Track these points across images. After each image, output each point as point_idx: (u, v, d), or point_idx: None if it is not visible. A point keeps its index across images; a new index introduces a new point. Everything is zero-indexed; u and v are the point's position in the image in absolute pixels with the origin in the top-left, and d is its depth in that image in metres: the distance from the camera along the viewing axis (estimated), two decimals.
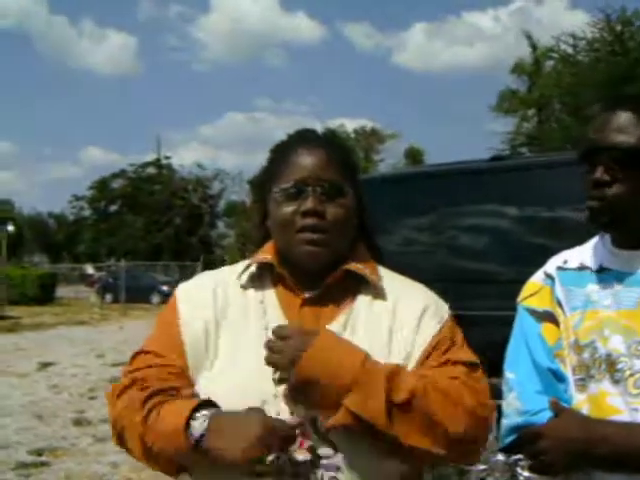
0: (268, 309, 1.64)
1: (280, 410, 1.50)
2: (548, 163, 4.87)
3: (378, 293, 1.66)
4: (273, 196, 1.66)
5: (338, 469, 1.48)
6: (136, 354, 1.65)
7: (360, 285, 1.66)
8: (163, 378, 1.56)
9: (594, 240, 1.81)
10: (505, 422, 1.73)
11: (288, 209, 1.62)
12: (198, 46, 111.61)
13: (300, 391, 1.47)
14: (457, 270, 5.02)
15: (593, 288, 1.71)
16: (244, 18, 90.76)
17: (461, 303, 4.65)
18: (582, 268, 1.76)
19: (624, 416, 1.57)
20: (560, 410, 1.63)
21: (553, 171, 4.41)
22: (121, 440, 1.58)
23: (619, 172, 1.61)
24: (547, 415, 1.64)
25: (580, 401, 1.66)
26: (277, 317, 1.62)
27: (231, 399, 1.49)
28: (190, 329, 1.62)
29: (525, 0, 76.08)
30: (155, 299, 31.11)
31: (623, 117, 1.64)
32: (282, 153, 1.71)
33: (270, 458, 1.40)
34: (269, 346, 1.50)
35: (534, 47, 31.79)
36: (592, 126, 1.69)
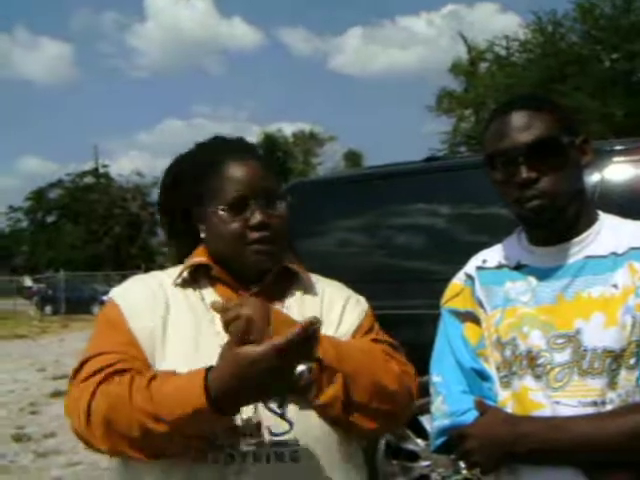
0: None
1: None
2: (479, 163, 4.93)
3: (307, 289, 1.81)
4: (217, 213, 1.71)
5: (295, 443, 1.57)
6: (85, 361, 1.60)
7: (291, 282, 1.81)
8: (137, 368, 1.56)
9: (511, 238, 1.84)
10: (434, 425, 1.76)
11: (235, 224, 1.70)
12: (135, 53, 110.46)
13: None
14: (393, 270, 5.04)
15: (511, 285, 1.74)
16: (181, 25, 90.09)
17: (398, 302, 4.72)
18: (500, 266, 1.79)
19: (546, 410, 1.60)
20: (485, 409, 1.66)
21: (484, 170, 4.46)
22: (108, 435, 1.49)
23: (540, 166, 1.64)
24: (473, 415, 1.67)
25: (505, 398, 1.68)
26: None
27: None
28: (140, 326, 1.64)
29: (457, 4, 77.15)
30: (96, 310, 30.45)
31: (520, 116, 1.68)
32: (213, 165, 1.76)
33: (300, 368, 1.47)
34: (227, 317, 1.49)
35: (470, 48, 32.24)
36: (492, 131, 1.73)
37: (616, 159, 4.28)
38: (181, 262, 1.82)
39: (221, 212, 1.71)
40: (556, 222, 1.67)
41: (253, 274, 1.74)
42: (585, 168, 1.74)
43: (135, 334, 1.63)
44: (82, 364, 1.60)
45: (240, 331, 1.46)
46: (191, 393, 1.41)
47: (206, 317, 1.67)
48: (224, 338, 1.51)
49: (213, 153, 1.80)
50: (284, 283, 1.81)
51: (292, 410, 1.56)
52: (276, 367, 1.36)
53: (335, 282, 1.91)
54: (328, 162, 48.85)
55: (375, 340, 1.76)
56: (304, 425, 1.58)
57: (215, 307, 1.55)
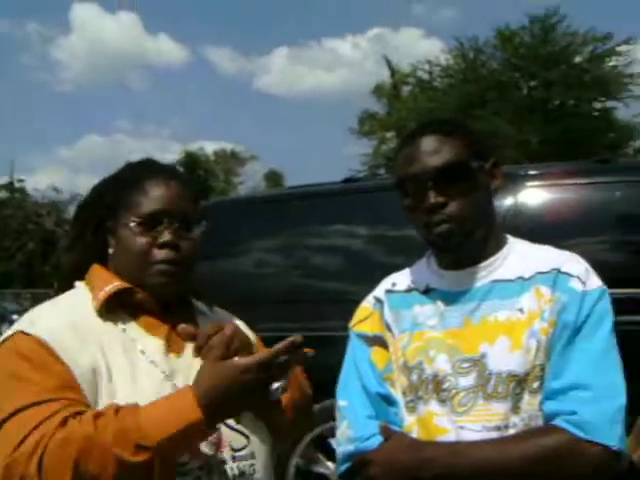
0: (135, 335, 1.62)
1: None
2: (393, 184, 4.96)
3: (202, 314, 1.81)
4: (128, 226, 1.66)
5: (252, 456, 1.63)
6: (7, 418, 1.39)
7: (189, 308, 1.79)
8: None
9: (421, 261, 1.83)
10: (339, 450, 1.72)
11: (143, 240, 1.65)
12: (59, 67, 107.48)
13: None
14: (310, 291, 5.01)
15: (420, 309, 1.72)
16: (106, 39, 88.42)
17: (316, 324, 4.68)
18: (410, 290, 1.77)
19: (450, 435, 1.59)
20: (389, 434, 1.63)
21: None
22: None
23: (449, 191, 1.63)
24: (378, 440, 1.64)
25: (410, 423, 1.67)
26: (149, 340, 1.63)
27: None
28: (79, 362, 1.49)
29: (382, 27, 78.19)
30: (4, 328, 29.53)
31: (431, 140, 1.67)
32: (135, 181, 1.72)
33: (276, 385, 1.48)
34: (201, 342, 1.50)
35: (393, 72, 32.72)
36: (403, 156, 1.71)
37: (529, 184, 4.36)
38: (74, 275, 1.73)
39: (132, 224, 1.66)
40: (463, 246, 1.67)
41: (163, 296, 1.68)
42: (495, 192, 1.74)
43: (74, 373, 1.47)
44: (3, 422, 1.40)
45: (223, 345, 1.47)
46: (183, 408, 1.40)
47: (135, 347, 1.59)
48: (161, 366, 1.57)
49: (138, 170, 1.77)
50: (189, 307, 1.80)
51: (248, 423, 1.63)
52: (260, 379, 1.43)
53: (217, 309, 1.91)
54: (249, 182, 48.68)
55: None
56: (258, 438, 1.66)
57: (186, 332, 1.54)
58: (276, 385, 1.47)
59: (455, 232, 1.64)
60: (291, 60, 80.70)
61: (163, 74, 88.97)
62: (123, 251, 1.68)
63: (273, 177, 47.03)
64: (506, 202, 4.22)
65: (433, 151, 1.65)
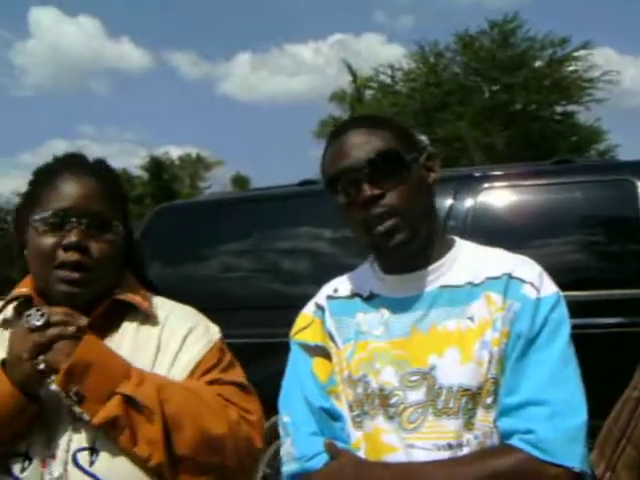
0: None
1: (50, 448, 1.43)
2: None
3: (146, 320, 1.60)
4: (32, 224, 1.52)
5: None
6: None
7: (127, 313, 1.60)
8: None
9: (365, 265, 1.71)
10: (284, 470, 1.60)
11: (48, 241, 1.51)
12: (19, 71, 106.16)
13: (75, 376, 1.38)
14: (278, 295, 4.86)
15: (363, 317, 1.60)
16: (67, 43, 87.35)
17: (285, 330, 4.53)
18: (352, 296, 1.65)
19: (399, 454, 1.47)
20: (335, 452, 1.52)
21: None
22: None
23: (384, 182, 1.52)
24: (323, 459, 1.52)
25: (358, 439, 1.55)
26: None
27: None
28: None
29: (344, 34, 78.17)
30: None
31: (357, 134, 1.57)
32: (46, 177, 1.58)
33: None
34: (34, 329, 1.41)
35: (355, 76, 32.77)
36: (330, 154, 1.60)
37: (488, 185, 4.30)
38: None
39: (36, 224, 1.52)
40: (409, 244, 1.54)
41: (64, 304, 1.51)
42: (433, 186, 1.62)
43: None
44: None
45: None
46: None
47: None
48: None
49: (54, 164, 1.64)
50: (118, 316, 1.60)
51: (104, 465, 1.41)
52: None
53: (185, 308, 1.70)
54: (215, 186, 48.33)
55: (216, 381, 1.56)
56: None
57: None
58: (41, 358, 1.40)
59: (400, 226, 1.51)
60: (254, 65, 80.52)
61: (125, 78, 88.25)
62: (30, 252, 1.56)
63: (240, 181, 46.71)
64: (466, 204, 4.15)
65: (362, 143, 1.55)
